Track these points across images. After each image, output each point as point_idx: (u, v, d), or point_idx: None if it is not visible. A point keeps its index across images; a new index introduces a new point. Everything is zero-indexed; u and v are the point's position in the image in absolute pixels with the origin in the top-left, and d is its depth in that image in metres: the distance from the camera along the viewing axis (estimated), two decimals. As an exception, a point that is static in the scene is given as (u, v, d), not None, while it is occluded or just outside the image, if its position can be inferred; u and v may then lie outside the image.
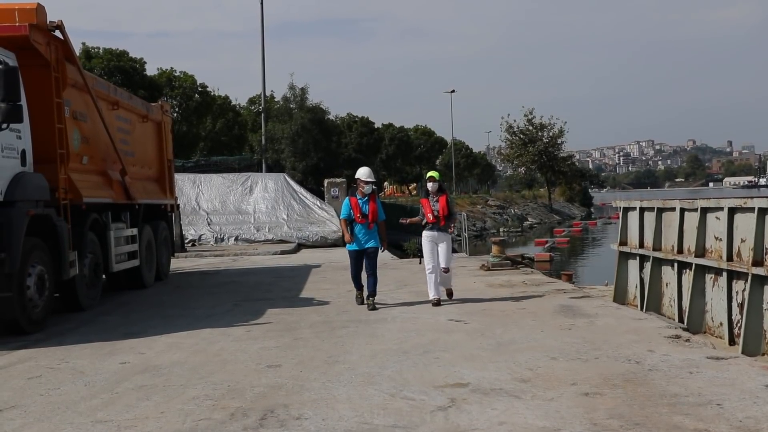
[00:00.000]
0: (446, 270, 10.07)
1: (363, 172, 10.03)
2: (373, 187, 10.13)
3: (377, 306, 9.90)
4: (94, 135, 11.50)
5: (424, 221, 10.12)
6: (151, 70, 43.13)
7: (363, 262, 10.01)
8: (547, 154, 69.13)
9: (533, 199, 77.71)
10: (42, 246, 9.19)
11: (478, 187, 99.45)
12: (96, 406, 5.59)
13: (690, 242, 10.31)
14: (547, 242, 37.21)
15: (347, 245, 10.12)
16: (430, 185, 10.20)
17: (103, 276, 11.85)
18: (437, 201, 10.05)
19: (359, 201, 9.89)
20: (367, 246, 9.95)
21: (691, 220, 10.33)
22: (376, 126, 64.86)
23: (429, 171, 10.72)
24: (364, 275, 10.19)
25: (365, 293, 10.14)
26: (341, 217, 10.15)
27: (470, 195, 75.98)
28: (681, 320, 10.42)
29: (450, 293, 10.40)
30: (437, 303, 9.86)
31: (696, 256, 10.00)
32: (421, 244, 10.47)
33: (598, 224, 55.90)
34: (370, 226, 9.91)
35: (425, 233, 10.13)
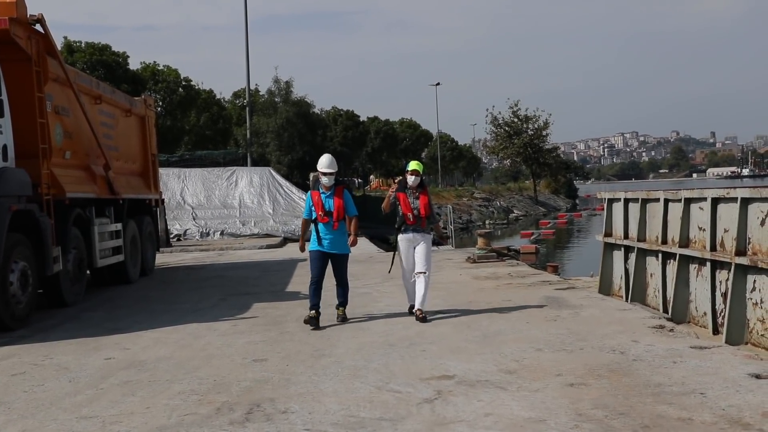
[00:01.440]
0: (422, 273, 8.45)
1: (322, 162, 8.42)
2: (340, 178, 8.66)
3: (347, 318, 8.55)
4: (77, 130, 11.40)
5: (400, 222, 8.62)
6: (134, 64, 42.81)
7: (326, 264, 8.40)
8: (532, 146, 69.34)
9: (519, 191, 77.96)
10: (25, 242, 9.11)
11: (463, 180, 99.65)
12: (81, 402, 5.55)
13: (674, 233, 10.38)
14: (532, 234, 37.35)
15: (310, 246, 8.42)
16: (411, 179, 8.60)
17: (88, 271, 11.78)
18: (417, 198, 8.59)
19: (322, 196, 8.35)
20: (332, 251, 8.35)
21: (675, 210, 10.39)
22: (361, 119, 64.76)
23: (410, 161, 9.07)
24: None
25: (323, 308, 8.39)
26: (303, 216, 8.59)
27: (456, 188, 76.08)
28: (666, 310, 10.49)
29: (422, 314, 8.36)
30: (413, 311, 8.56)
31: (680, 247, 10.07)
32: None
33: (584, 216, 56.15)
34: (335, 226, 8.30)
35: (402, 236, 8.61)
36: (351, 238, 8.46)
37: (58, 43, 12.57)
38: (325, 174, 8.34)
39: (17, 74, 9.40)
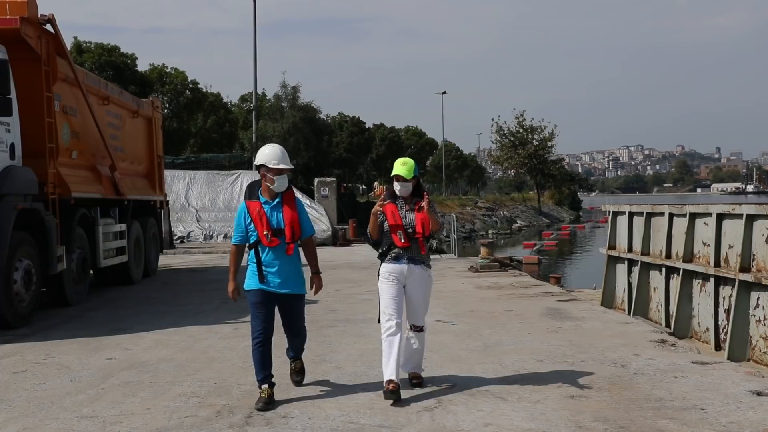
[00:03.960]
0: (419, 329, 5.82)
1: (270, 153, 5.50)
2: (289, 176, 5.68)
3: (304, 376, 6.00)
4: (84, 130, 11.45)
5: (386, 245, 5.72)
6: (143, 66, 42.95)
7: (273, 309, 5.57)
8: (537, 157, 69.31)
9: (522, 201, 77.90)
10: (30, 240, 9.14)
11: (467, 189, 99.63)
12: (82, 402, 5.57)
13: (678, 247, 10.37)
14: (535, 245, 37.28)
15: (246, 283, 5.53)
16: (398, 187, 5.71)
17: (91, 271, 11.80)
18: (412, 210, 5.71)
19: (264, 207, 5.48)
20: (282, 290, 5.50)
21: (680, 225, 10.38)
22: (367, 126, 64.84)
23: (396, 161, 5.89)
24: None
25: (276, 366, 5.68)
26: (232, 241, 5.65)
27: (460, 197, 76.06)
28: (668, 325, 10.47)
29: (419, 379, 5.90)
30: (394, 392, 5.38)
31: (684, 262, 10.06)
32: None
33: (587, 228, 56.04)
34: (289, 250, 5.48)
35: (387, 266, 5.67)
36: (313, 281, 5.64)
37: (68, 44, 12.62)
38: (275, 170, 5.44)
39: (26, 73, 9.46)
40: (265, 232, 5.43)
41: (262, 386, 5.49)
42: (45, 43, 9.89)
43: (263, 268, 5.46)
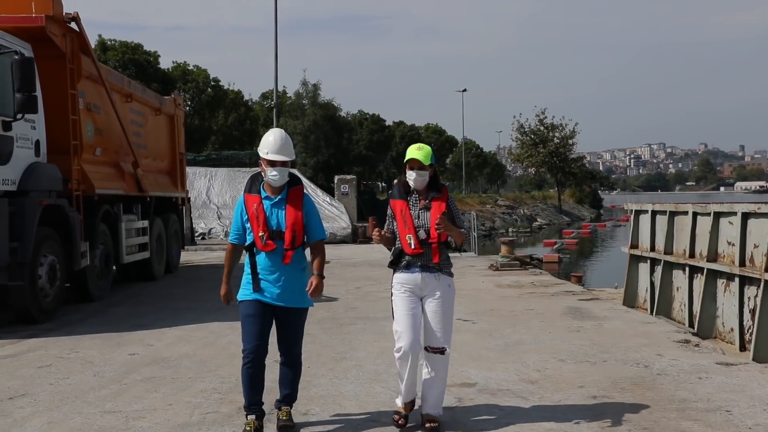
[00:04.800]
0: (440, 351, 4.76)
1: (272, 142, 4.71)
2: (291, 170, 4.93)
3: (294, 425, 4.82)
4: (108, 127, 11.55)
5: (396, 252, 4.86)
6: (165, 64, 43.30)
7: (268, 325, 4.79)
8: (557, 155, 68.90)
9: (543, 200, 77.48)
10: (54, 236, 9.24)
11: (487, 187, 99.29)
12: (105, 397, 5.62)
13: (702, 247, 10.25)
14: (555, 243, 37.08)
15: (240, 293, 4.88)
16: (412, 176, 4.78)
17: (114, 267, 11.91)
18: (426, 209, 4.79)
19: (264, 203, 4.73)
20: (280, 302, 4.74)
21: (704, 224, 10.26)
22: (387, 123, 64.85)
23: (412, 145, 4.94)
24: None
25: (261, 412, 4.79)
26: (229, 239, 4.94)
27: (480, 195, 75.85)
28: (691, 325, 10.36)
29: (435, 423, 4.74)
30: (401, 421, 4.78)
31: (708, 261, 9.94)
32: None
33: (608, 226, 55.63)
34: (287, 258, 4.69)
35: (398, 276, 4.85)
36: (312, 281, 4.73)
37: (93, 41, 12.68)
38: (274, 163, 4.68)
39: (51, 71, 9.56)
40: (260, 233, 4.62)
41: (249, 416, 4.68)
42: (70, 41, 9.98)
43: (259, 275, 4.70)
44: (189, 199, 17.19)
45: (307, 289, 4.74)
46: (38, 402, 5.52)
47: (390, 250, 4.90)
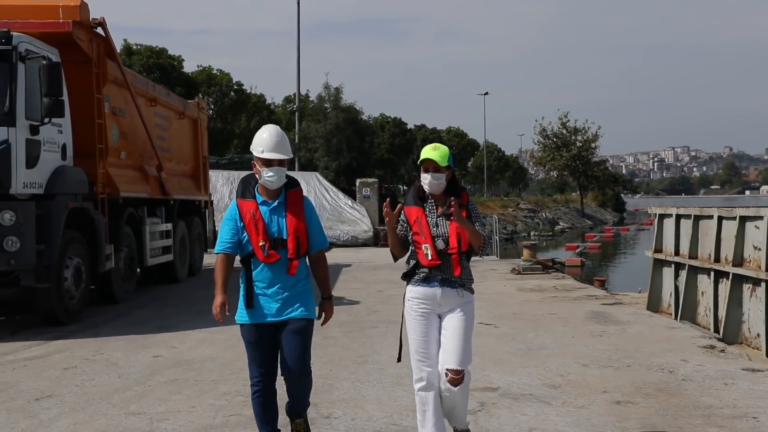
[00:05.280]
0: (457, 375, 4.14)
1: (266, 139, 4.17)
2: (287, 171, 4.27)
3: None
4: (132, 131, 11.68)
5: (412, 265, 4.28)
6: (189, 67, 43.68)
7: (274, 348, 4.23)
8: (580, 158, 68.46)
9: (565, 203, 77.01)
10: (80, 239, 9.35)
11: (509, 191, 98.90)
12: (129, 398, 5.68)
13: (728, 251, 10.14)
14: (578, 247, 36.82)
15: (237, 314, 4.25)
16: (427, 179, 4.22)
17: (138, 270, 12.02)
18: (446, 216, 4.21)
19: (261, 209, 4.19)
20: (282, 317, 4.18)
21: (729, 228, 10.15)
22: (408, 127, 64.86)
23: (428, 145, 4.35)
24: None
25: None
26: (216, 250, 4.29)
27: (501, 198, 75.55)
28: (716, 330, 10.25)
29: None
30: None
31: (734, 266, 9.83)
32: None
33: (631, 230, 55.17)
34: (291, 268, 4.18)
35: (414, 290, 4.25)
36: (325, 309, 4.37)
37: (119, 46, 12.89)
38: (262, 162, 4.13)
39: (78, 75, 9.68)
40: (261, 243, 4.09)
41: None
42: (96, 46, 10.11)
43: (256, 290, 4.14)
44: (212, 202, 17.31)
45: (320, 322, 4.31)
46: (64, 403, 5.59)
47: (395, 253, 4.39)
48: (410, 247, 4.30)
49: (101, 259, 9.75)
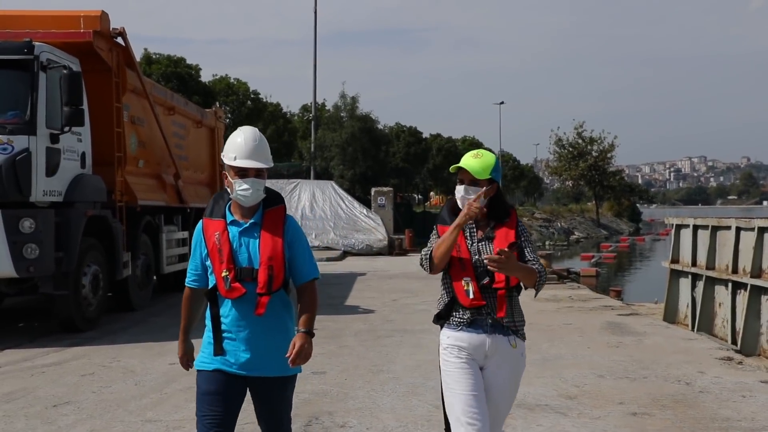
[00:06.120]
0: None
1: (240, 143, 3.31)
2: (266, 184, 3.37)
3: None
4: (151, 139, 11.78)
5: (447, 303, 3.34)
6: (206, 77, 44.00)
7: (236, 407, 3.35)
8: (596, 168, 68.19)
9: (580, 213, 76.66)
10: (98, 246, 9.44)
11: (524, 200, 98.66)
12: (146, 406, 5.71)
13: (746, 262, 10.06)
14: (593, 257, 36.62)
15: (196, 361, 3.49)
16: (460, 193, 3.40)
17: (154, 277, 12.10)
18: (488, 239, 3.36)
19: (230, 229, 3.29)
20: (254, 372, 3.27)
21: (748, 239, 10.08)
22: (424, 136, 64.90)
23: (470, 152, 3.45)
24: None
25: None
26: (186, 282, 3.48)
27: (517, 207, 75.33)
28: (734, 342, 10.16)
29: None
30: None
31: (752, 277, 9.76)
32: None
33: (647, 240, 54.80)
34: (260, 306, 3.22)
35: (454, 336, 3.32)
36: (295, 342, 3.18)
37: (138, 55, 13.00)
38: (236, 172, 3.30)
39: (98, 85, 9.78)
40: (223, 273, 3.20)
41: None
42: (116, 55, 10.22)
43: (221, 333, 3.27)
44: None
45: (287, 354, 3.14)
46: (81, 410, 5.63)
47: (438, 264, 3.29)
48: (443, 279, 3.37)
49: (119, 267, 9.83)
